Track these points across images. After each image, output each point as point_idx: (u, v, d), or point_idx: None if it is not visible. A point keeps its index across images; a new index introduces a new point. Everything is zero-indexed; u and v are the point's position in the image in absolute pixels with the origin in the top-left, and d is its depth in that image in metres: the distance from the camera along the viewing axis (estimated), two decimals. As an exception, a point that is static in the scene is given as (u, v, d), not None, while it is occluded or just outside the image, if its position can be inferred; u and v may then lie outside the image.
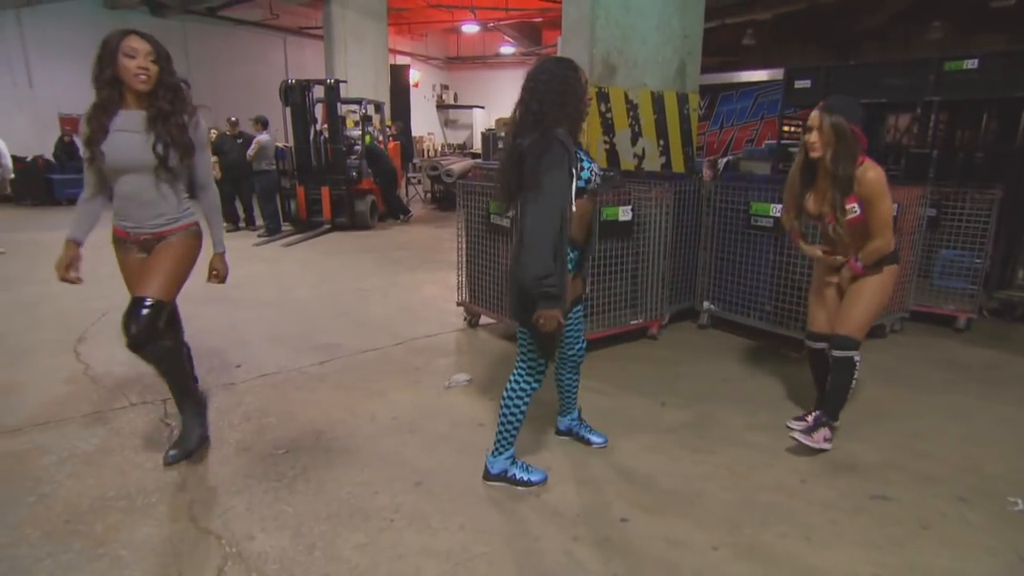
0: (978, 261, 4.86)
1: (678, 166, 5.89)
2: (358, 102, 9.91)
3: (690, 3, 5.66)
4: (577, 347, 2.83)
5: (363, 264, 7.08)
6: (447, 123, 22.68)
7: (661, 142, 5.76)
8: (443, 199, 12.37)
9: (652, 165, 5.81)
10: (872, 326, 4.53)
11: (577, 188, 2.33)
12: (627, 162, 5.70)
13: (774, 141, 11.45)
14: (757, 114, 12.18)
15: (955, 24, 12.63)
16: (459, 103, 22.26)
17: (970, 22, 12.30)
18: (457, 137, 22.15)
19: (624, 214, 4.15)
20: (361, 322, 4.88)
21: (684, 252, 4.89)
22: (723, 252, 4.70)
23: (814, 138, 2.69)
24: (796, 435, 3.00)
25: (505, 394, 2.61)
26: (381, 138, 10.56)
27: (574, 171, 2.29)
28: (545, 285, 2.24)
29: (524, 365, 2.56)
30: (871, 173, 2.68)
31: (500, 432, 2.66)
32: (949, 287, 5.06)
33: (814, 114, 2.69)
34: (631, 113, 5.62)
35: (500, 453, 2.68)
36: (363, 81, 12.30)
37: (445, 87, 22.54)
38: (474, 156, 15.33)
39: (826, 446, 2.98)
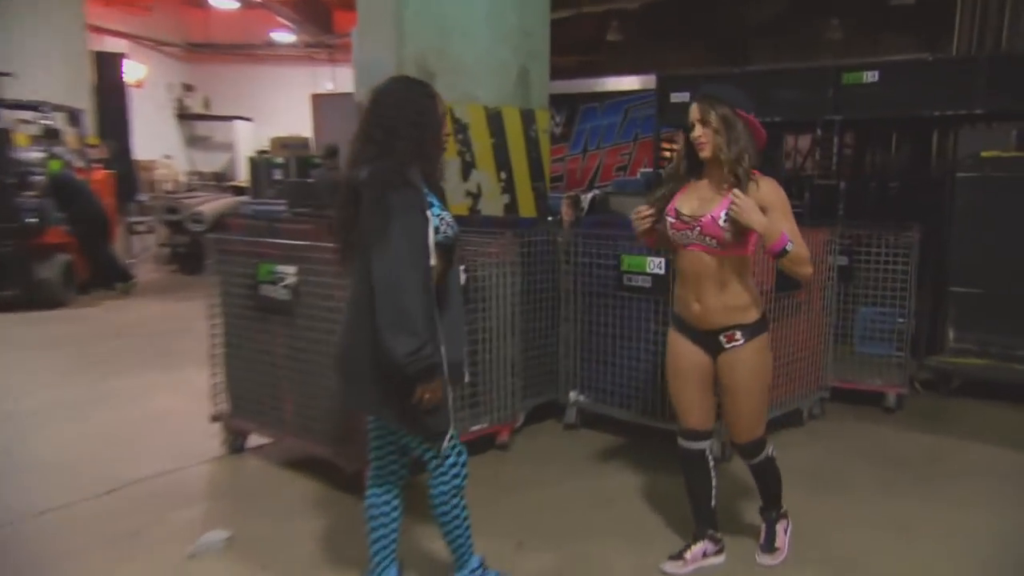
0: (901, 321, 5.43)
1: (527, 208, 6.07)
2: (34, 107, 9.42)
3: (532, -12, 5.98)
4: (398, 464, 2.95)
5: (49, 365, 6.70)
6: (194, 141, 21.99)
7: (502, 175, 5.93)
8: (188, 257, 11.96)
9: (493, 207, 5.94)
10: (787, 412, 4.93)
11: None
12: (456, 204, 5.76)
13: (651, 169, 12.38)
14: (629, 133, 13.05)
15: (858, 22, 14.34)
16: (212, 112, 21.73)
17: (875, 20, 14.04)
18: (210, 163, 21.48)
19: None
20: (37, 464, 4.58)
21: (539, 326, 4.97)
22: (591, 324, 4.84)
23: (699, 132, 2.94)
24: (762, 560, 3.36)
25: (435, 508, 2.85)
26: (80, 164, 10.29)
27: (428, 214, 2.54)
28: (422, 359, 2.49)
29: (436, 461, 2.78)
30: (766, 182, 2.98)
31: (453, 547, 2.94)
32: (873, 354, 5.59)
33: (692, 107, 2.96)
34: (459, 137, 5.75)
35: (464, 565, 2.97)
36: (45, 74, 11.46)
37: (189, 88, 21.73)
38: (237, 192, 15.02)
39: (787, 542, 3.41)
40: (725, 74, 6.74)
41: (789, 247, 2.88)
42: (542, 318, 4.98)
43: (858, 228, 5.58)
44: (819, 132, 6.36)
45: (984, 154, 5.84)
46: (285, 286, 4.14)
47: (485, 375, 4.48)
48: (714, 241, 2.96)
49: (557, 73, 6.41)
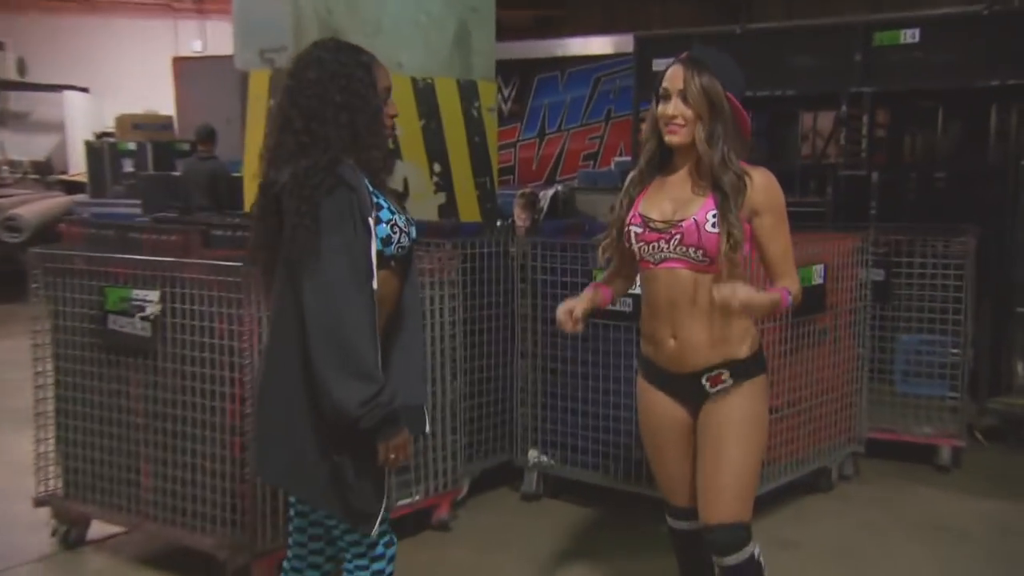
0: (955, 352, 5.53)
1: (468, 210, 6.09)
2: None
3: (471, -80, 6.01)
4: (323, 557, 2.95)
5: None
6: (6, 120, 21.44)
7: (436, 168, 5.95)
8: (0, 278, 11.65)
9: (424, 209, 5.92)
10: (809, 472, 4.97)
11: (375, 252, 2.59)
12: None
13: (629, 158, 12.33)
14: (600, 111, 13.12)
15: None
16: (31, 80, 21.20)
17: None
18: (30, 149, 20.96)
19: (372, 302, 4.19)
20: None
21: (488, 364, 4.96)
22: (555, 360, 4.86)
23: (674, 110, 2.85)
24: None
25: None
26: None
27: (369, 223, 2.54)
28: (380, 407, 2.48)
29: (356, 550, 2.75)
30: (766, 177, 2.94)
31: None
32: (920, 395, 5.67)
33: (673, 70, 2.88)
34: None
35: None
36: None
37: (-4, 45, 21.25)
38: (70, 189, 14.79)
39: None
40: (724, 33, 6.81)
41: (790, 302, 2.92)
42: (492, 354, 4.99)
43: (896, 232, 5.66)
44: (844, 109, 6.43)
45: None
46: (144, 318, 4.09)
47: None
48: (700, 253, 2.87)
49: (505, 33, 6.44)
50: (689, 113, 2.83)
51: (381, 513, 2.71)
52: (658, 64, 6.91)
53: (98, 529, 4.60)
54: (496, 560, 4.35)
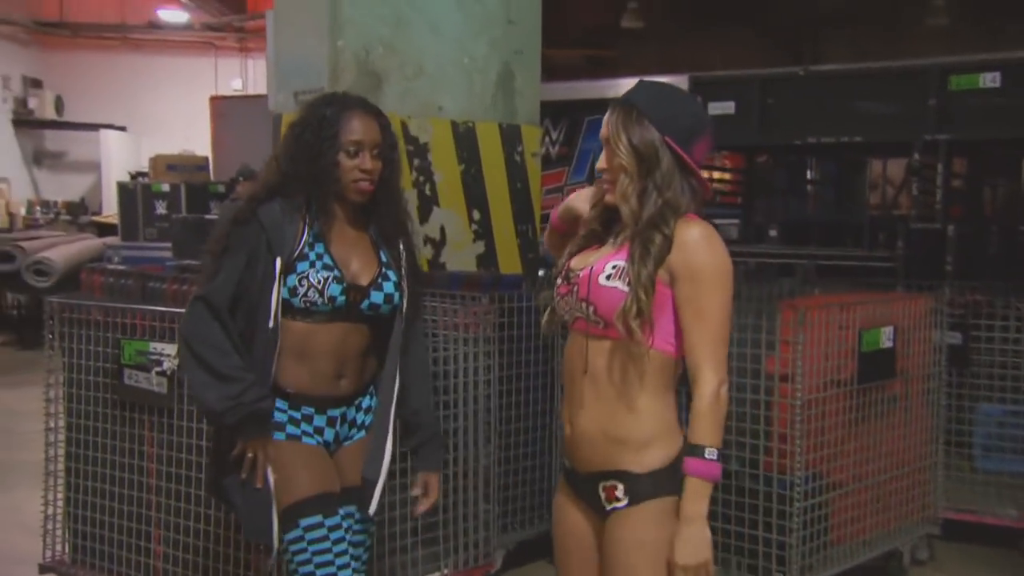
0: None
1: (509, 260, 6.05)
2: None
3: (517, -39, 6.03)
4: None
5: None
6: (42, 159, 21.91)
7: (476, 215, 5.92)
8: (27, 324, 12.02)
9: (462, 259, 5.91)
10: (878, 554, 4.83)
11: (282, 299, 2.80)
12: None
13: None
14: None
15: (969, 5, 14.30)
16: (68, 119, 21.65)
17: (988, 2, 13.99)
18: (65, 189, 21.37)
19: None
20: None
21: (525, 430, 4.89)
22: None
23: (601, 163, 2.61)
24: None
25: None
26: None
27: (276, 263, 2.77)
28: (241, 405, 2.73)
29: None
30: (697, 230, 2.52)
31: None
32: (1002, 471, 5.50)
33: (606, 117, 2.60)
34: (416, 162, 5.71)
35: None
36: None
37: (35, 83, 21.59)
38: (102, 231, 14.87)
39: None
40: (786, 75, 6.76)
41: (714, 456, 2.43)
42: (529, 415, 4.93)
43: (975, 291, 5.55)
44: (917, 157, 6.31)
45: None
46: (161, 372, 4.07)
47: (446, 499, 4.37)
48: (592, 310, 2.51)
49: (554, 73, 6.44)
50: (615, 166, 2.53)
51: (273, 545, 2.86)
52: (715, 107, 6.90)
53: None
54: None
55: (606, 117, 2.56)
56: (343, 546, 2.84)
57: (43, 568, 4.52)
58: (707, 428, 2.42)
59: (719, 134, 7.45)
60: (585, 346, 2.53)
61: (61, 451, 4.50)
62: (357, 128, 2.81)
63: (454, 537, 4.46)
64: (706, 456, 2.40)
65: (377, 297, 2.87)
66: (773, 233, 7.28)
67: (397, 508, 4.13)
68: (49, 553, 4.51)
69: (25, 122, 21.25)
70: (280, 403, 2.84)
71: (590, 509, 2.58)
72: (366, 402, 3.03)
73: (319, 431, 2.90)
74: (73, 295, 4.86)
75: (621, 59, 14.92)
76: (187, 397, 3.95)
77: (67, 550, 4.51)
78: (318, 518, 2.80)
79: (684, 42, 14.39)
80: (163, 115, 20.63)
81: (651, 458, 2.48)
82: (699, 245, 2.46)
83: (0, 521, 5.77)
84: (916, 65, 6.32)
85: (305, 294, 2.77)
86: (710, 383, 2.43)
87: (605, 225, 2.67)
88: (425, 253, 5.81)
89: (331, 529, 2.82)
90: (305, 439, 2.87)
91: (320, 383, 2.87)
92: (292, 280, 2.76)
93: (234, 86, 20.35)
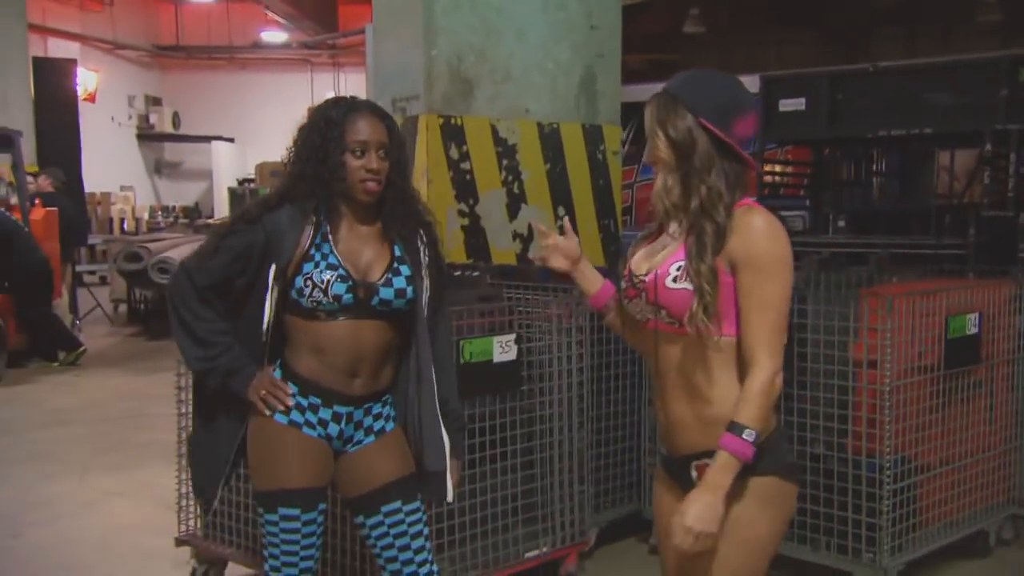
0: None
1: (593, 253, 5.90)
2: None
3: (599, -30, 5.93)
4: None
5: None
6: (161, 168, 22.27)
7: (561, 211, 5.82)
8: (153, 317, 12.05)
9: (548, 254, 5.81)
10: (964, 535, 4.52)
11: (291, 300, 2.69)
12: (501, 249, 5.68)
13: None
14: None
15: (1016, 2, 13.65)
16: (184, 132, 22.05)
17: None
18: (182, 195, 21.73)
19: (501, 350, 4.02)
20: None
21: (616, 414, 4.76)
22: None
23: (647, 155, 2.42)
24: None
25: None
26: (14, 200, 10.45)
27: (271, 268, 2.67)
28: (217, 368, 2.72)
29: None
30: (759, 218, 2.30)
31: None
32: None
33: (646, 111, 2.39)
34: (504, 162, 5.68)
35: None
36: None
37: (155, 101, 22.16)
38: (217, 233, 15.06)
39: None
40: (855, 72, 6.48)
41: (751, 439, 2.22)
42: (620, 401, 4.78)
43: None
44: (988, 147, 6.04)
45: None
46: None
47: (544, 479, 4.31)
48: (665, 313, 2.33)
49: (624, 77, 6.26)
50: (655, 158, 2.35)
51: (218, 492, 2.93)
52: (785, 104, 6.72)
53: (233, 571, 4.47)
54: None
55: (645, 111, 2.36)
56: (312, 539, 2.75)
57: (179, 541, 4.46)
58: (753, 411, 2.24)
59: (790, 130, 7.16)
60: (662, 342, 2.38)
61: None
62: (363, 129, 2.66)
63: (552, 517, 4.32)
64: (744, 436, 2.22)
65: (387, 293, 2.68)
66: (841, 223, 7.07)
67: (498, 490, 4.10)
68: (184, 528, 4.44)
69: (147, 136, 21.90)
70: (292, 386, 2.71)
71: (685, 491, 2.35)
72: (376, 408, 2.82)
73: (323, 423, 2.72)
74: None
75: (683, 63, 14.65)
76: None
77: (199, 525, 4.44)
78: (296, 511, 2.70)
79: (743, 45, 14.25)
80: (266, 126, 20.80)
81: None
82: (761, 234, 2.26)
83: (137, 495, 5.79)
84: (985, 58, 6.05)
85: (311, 294, 2.64)
86: (766, 370, 2.24)
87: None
88: (514, 248, 5.84)
89: (305, 524, 2.72)
90: (306, 429, 2.72)
91: (333, 378, 2.71)
92: (299, 282, 2.66)
93: (328, 97, 20.46)
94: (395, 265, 2.73)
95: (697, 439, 2.34)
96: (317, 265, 2.66)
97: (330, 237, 2.69)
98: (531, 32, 5.63)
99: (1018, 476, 4.89)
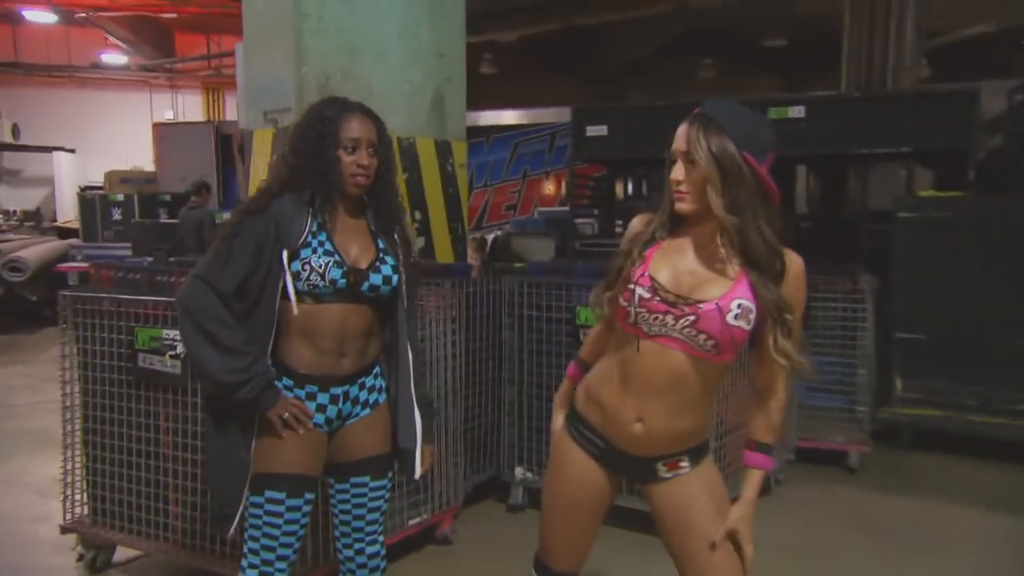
0: (863, 371, 5.28)
1: (444, 252, 5.74)
2: None
3: (446, 5, 5.64)
4: (359, 546, 2.70)
5: None
6: (1, 176, 20.38)
7: (417, 215, 5.66)
8: (3, 313, 10.85)
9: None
10: None
11: (295, 287, 2.41)
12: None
13: (546, 208, 12.34)
14: (517, 170, 12.96)
15: (727, 62, 15.27)
16: (24, 142, 20.11)
17: (742, 60, 14.98)
18: (22, 200, 19.90)
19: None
20: None
21: (480, 391, 4.62)
22: (539, 387, 4.46)
23: (679, 174, 2.05)
24: None
25: None
26: None
27: (284, 253, 2.39)
28: (257, 377, 2.36)
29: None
30: (800, 263, 2.09)
31: None
32: (823, 407, 5.40)
33: (679, 130, 2.06)
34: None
35: None
36: None
37: (-8, 113, 20.03)
38: (63, 234, 13.85)
39: None
40: (649, 106, 6.52)
41: (772, 454, 2.21)
42: (483, 380, 4.63)
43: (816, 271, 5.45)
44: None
45: (921, 193, 5.85)
46: (175, 356, 3.49)
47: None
48: (712, 343, 2.04)
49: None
50: (695, 178, 2.01)
51: (234, 520, 2.52)
52: (591, 130, 6.70)
53: (124, 554, 4.01)
54: (504, 568, 3.83)
55: (681, 130, 2.04)
56: (294, 527, 2.48)
57: (64, 528, 3.91)
58: (777, 433, 2.22)
59: (594, 151, 7.15)
60: (687, 365, 2.07)
61: (77, 424, 3.88)
62: (355, 127, 2.46)
63: (431, 486, 4.13)
64: (772, 455, 2.23)
65: (376, 279, 2.48)
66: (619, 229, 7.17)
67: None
68: (69, 515, 3.91)
69: (-16, 146, 19.72)
70: (286, 381, 2.45)
71: (625, 474, 2.29)
72: (368, 381, 2.58)
73: (322, 408, 2.49)
74: (84, 288, 4.21)
75: (479, 97, 14.84)
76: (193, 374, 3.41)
77: (86, 512, 3.90)
78: (281, 495, 2.44)
79: (528, 84, 14.39)
80: (106, 139, 19.46)
81: (704, 436, 2.27)
82: (802, 280, 2.10)
83: (11, 484, 5.06)
84: (749, 99, 6.18)
85: (308, 278, 2.42)
86: (784, 399, 2.20)
87: (672, 228, 2.15)
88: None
89: (288, 509, 2.46)
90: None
91: (323, 361, 2.47)
92: (296, 266, 2.43)
93: (167, 116, 19.39)
94: (381, 255, 2.51)
95: (670, 446, 2.17)
96: (315, 251, 2.44)
97: (327, 226, 2.47)
98: (390, 56, 5.39)
99: (790, 426, 5.04)
